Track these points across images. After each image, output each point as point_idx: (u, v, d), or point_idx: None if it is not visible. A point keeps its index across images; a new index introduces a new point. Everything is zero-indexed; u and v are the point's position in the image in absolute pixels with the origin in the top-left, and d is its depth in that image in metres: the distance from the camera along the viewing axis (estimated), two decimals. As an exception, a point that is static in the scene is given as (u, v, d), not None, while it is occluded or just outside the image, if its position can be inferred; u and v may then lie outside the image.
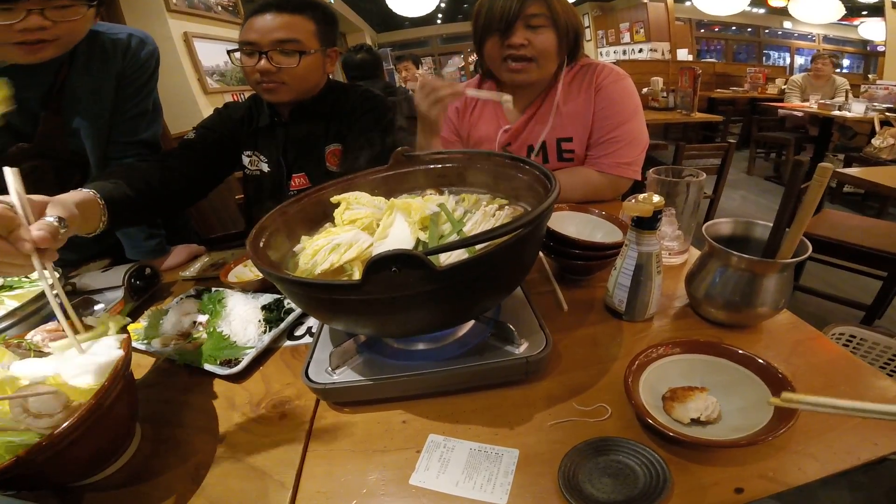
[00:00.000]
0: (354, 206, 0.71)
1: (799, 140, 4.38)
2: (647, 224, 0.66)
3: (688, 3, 7.34)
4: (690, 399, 0.54)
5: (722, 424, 0.53)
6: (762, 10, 8.10)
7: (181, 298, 0.98)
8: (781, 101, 4.91)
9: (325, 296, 0.45)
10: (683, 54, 7.46)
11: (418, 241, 0.57)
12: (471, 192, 0.77)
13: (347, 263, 0.59)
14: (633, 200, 0.66)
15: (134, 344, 0.86)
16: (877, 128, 3.45)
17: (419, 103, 1.09)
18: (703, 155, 2.87)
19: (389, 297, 0.41)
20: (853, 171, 2.15)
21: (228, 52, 1.16)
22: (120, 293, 1.02)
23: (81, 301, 1.02)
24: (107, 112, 1.10)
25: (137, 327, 0.90)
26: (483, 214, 0.62)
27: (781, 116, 4.61)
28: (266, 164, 1.32)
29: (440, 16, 10.38)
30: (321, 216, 0.75)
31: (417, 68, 5.16)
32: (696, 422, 0.52)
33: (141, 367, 0.82)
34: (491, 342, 0.62)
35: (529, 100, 1.22)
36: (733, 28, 8.44)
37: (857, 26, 8.01)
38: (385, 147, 1.27)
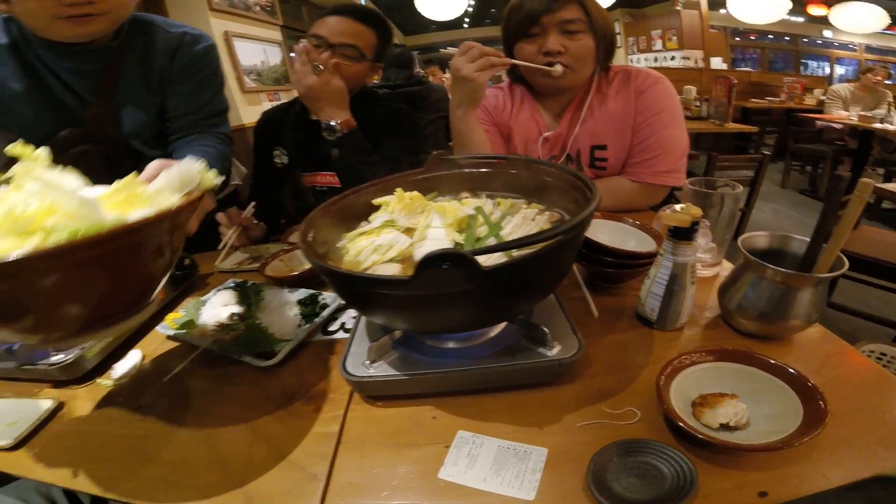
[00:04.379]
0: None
1: (837, 153, 4.25)
2: (683, 234, 0.67)
3: (723, 11, 7.20)
4: (720, 405, 0.54)
5: (750, 430, 0.53)
6: (801, 19, 7.89)
7: (219, 290, 1.02)
8: (820, 112, 4.77)
9: (373, 290, 0.47)
10: (717, 62, 7.32)
11: (455, 243, 0.58)
12: (505, 196, 0.78)
13: (388, 262, 0.61)
14: (671, 210, 0.66)
15: (173, 333, 0.90)
16: (920, 142, 3.33)
17: (461, 67, 1.04)
18: (736, 166, 2.82)
19: (435, 293, 0.43)
20: (893, 186, 2.08)
21: (300, 37, 1.27)
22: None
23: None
24: (155, 104, 1.14)
25: (177, 317, 0.94)
26: (522, 218, 0.63)
27: (819, 128, 4.49)
28: (286, 157, 1.43)
29: (467, 20, 10.42)
30: (361, 214, 0.78)
31: (444, 73, 5.17)
32: (724, 427, 0.53)
33: (178, 356, 0.84)
34: (523, 343, 0.63)
35: (562, 105, 1.21)
36: (770, 36, 8.24)
37: (902, 36, 7.73)
38: (412, 162, 1.33)
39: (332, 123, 1.21)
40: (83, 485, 0.60)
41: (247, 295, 0.94)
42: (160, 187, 0.57)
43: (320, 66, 1.17)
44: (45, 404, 0.77)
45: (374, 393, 0.65)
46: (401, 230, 0.66)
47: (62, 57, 1.00)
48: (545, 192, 0.75)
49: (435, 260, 0.38)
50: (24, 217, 0.43)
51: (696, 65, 7.27)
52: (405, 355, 0.65)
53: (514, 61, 1.09)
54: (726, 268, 0.92)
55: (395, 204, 0.73)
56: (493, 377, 0.61)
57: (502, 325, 0.67)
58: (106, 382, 0.83)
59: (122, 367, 0.85)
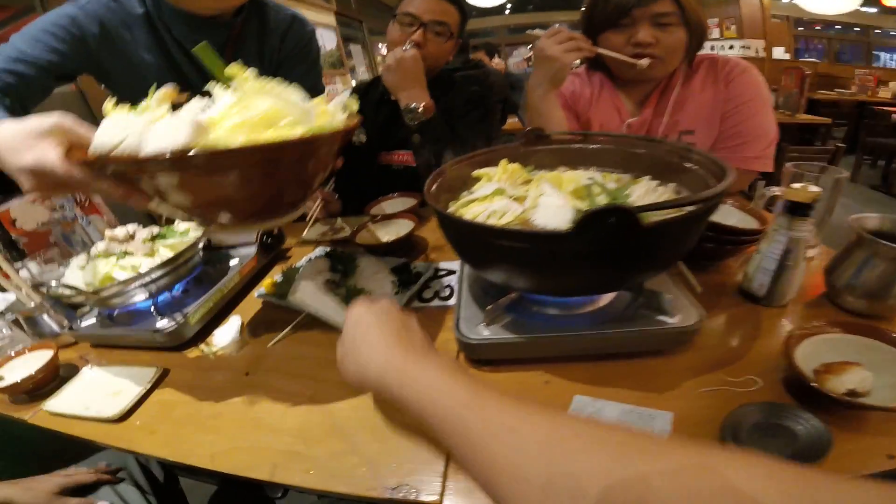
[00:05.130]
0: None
1: (913, 148, 3.99)
2: (802, 210, 0.66)
3: (785, 0, 6.80)
4: (846, 372, 0.55)
5: (873, 398, 0.53)
6: (874, 10, 7.35)
7: (312, 258, 1.05)
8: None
9: (518, 244, 0.48)
10: (779, 53, 6.94)
11: (576, 209, 0.59)
12: (603, 170, 0.79)
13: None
14: (793, 187, 0.66)
15: (272, 298, 0.92)
16: None
17: (546, 47, 1.04)
18: (807, 157, 2.69)
19: (591, 249, 0.44)
20: None
21: (394, 15, 1.29)
22: (251, 250, 1.09)
23: (220, 254, 1.12)
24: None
25: (274, 282, 0.96)
26: (645, 189, 0.63)
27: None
28: (364, 136, 1.44)
29: (509, 6, 10.19)
30: (461, 185, 0.80)
31: (491, 59, 5.10)
32: (849, 393, 0.53)
33: (279, 322, 0.86)
34: (641, 312, 0.63)
35: (645, 93, 1.17)
36: (837, 27, 7.73)
37: None
38: (488, 138, 1.35)
39: (413, 106, 1.23)
40: (196, 458, 0.60)
41: (342, 262, 0.96)
42: (335, 107, 0.65)
43: (405, 47, 1.20)
44: (149, 372, 0.76)
45: (490, 356, 0.66)
46: (511, 198, 0.67)
47: (190, 29, 1.05)
48: (643, 167, 0.74)
49: (601, 213, 0.39)
50: (272, 116, 0.54)
51: (757, 54, 6.91)
52: (517, 320, 0.66)
53: (600, 50, 1.07)
54: (824, 252, 0.90)
55: (501, 174, 0.75)
56: (614, 342, 0.62)
57: (610, 296, 0.68)
58: (209, 349, 0.83)
59: (224, 333, 0.86)
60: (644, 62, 1.04)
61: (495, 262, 0.56)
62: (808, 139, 4.82)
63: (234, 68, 0.59)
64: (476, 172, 0.80)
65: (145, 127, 0.51)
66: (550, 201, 0.63)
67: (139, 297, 0.87)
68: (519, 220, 0.62)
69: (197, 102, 0.59)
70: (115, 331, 0.89)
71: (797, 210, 0.66)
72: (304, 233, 1.26)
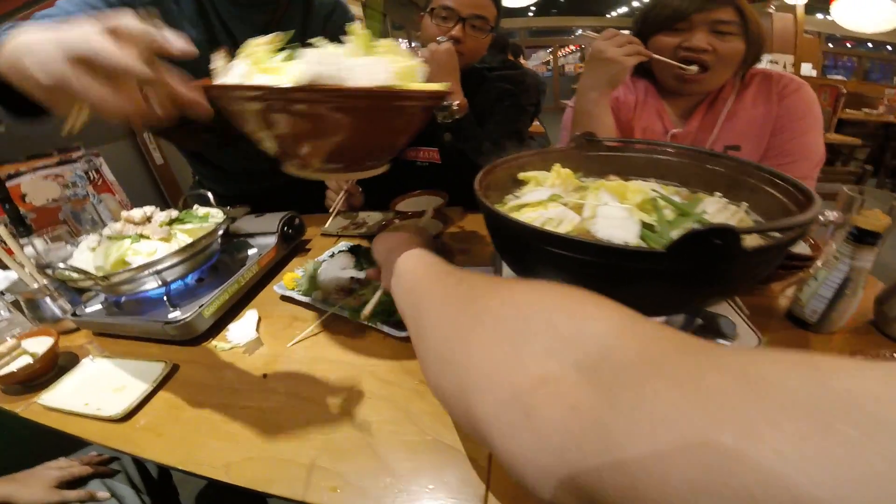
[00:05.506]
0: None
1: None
2: (869, 239, 0.63)
3: (819, 16, 6.68)
4: None
5: None
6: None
7: (335, 253, 1.02)
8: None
9: (592, 258, 0.45)
10: (807, 69, 6.84)
11: (643, 223, 0.56)
12: (660, 182, 0.75)
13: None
14: (863, 213, 0.63)
15: (293, 294, 0.90)
16: None
17: (605, 49, 1.01)
18: (832, 179, 2.63)
19: (683, 270, 0.41)
20: None
21: (431, 9, 1.21)
22: (271, 239, 1.07)
23: (238, 243, 1.09)
24: None
25: (295, 277, 0.94)
26: (716, 206, 0.60)
27: (923, 146, 4.13)
28: None
29: (533, 7, 10.05)
30: (505, 187, 0.77)
31: (516, 59, 5.05)
32: None
33: (300, 319, 0.84)
34: (699, 335, 0.60)
35: (692, 104, 1.13)
36: (869, 45, 7.60)
37: None
38: (520, 140, 1.30)
39: (447, 104, 1.18)
40: (208, 468, 0.56)
41: (367, 258, 0.94)
42: None
43: (440, 38, 1.16)
44: (157, 367, 0.72)
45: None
46: (568, 206, 0.64)
47: (236, 6, 1.03)
48: (707, 183, 0.71)
49: (707, 234, 0.36)
50: (409, 72, 0.59)
51: (785, 70, 6.81)
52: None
53: (654, 55, 1.04)
54: (872, 282, 0.86)
55: (554, 179, 0.72)
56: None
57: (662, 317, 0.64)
58: (223, 345, 0.79)
59: (239, 328, 0.82)
60: (693, 68, 1.01)
61: (555, 274, 0.53)
62: (830, 159, 4.75)
63: (356, 29, 0.61)
64: (523, 175, 0.77)
65: (344, 63, 0.54)
66: (612, 212, 0.59)
67: (151, 285, 0.83)
68: (577, 230, 0.59)
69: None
70: (123, 319, 0.84)
71: (864, 238, 0.64)
72: (326, 224, 1.24)
